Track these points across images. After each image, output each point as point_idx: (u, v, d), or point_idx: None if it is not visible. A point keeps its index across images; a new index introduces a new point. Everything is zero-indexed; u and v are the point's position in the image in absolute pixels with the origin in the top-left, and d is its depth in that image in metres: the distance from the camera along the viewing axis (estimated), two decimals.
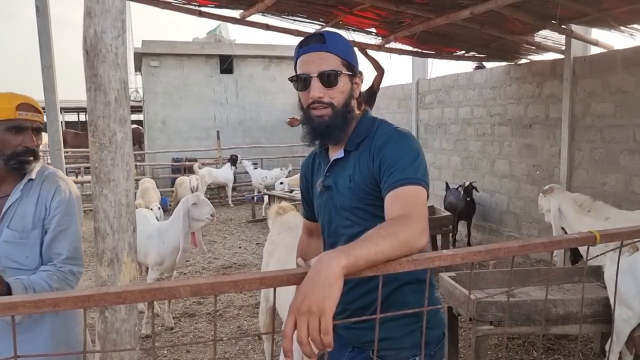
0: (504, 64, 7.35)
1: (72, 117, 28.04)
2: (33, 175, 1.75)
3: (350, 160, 1.59)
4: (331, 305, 0.97)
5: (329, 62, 1.53)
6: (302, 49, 1.58)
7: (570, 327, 3.31)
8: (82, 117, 29.59)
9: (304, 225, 1.95)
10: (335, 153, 1.65)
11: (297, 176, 11.10)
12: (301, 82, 1.56)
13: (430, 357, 1.60)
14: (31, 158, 1.71)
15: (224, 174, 12.09)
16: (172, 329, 4.76)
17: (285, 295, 1.26)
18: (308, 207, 1.85)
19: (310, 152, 1.84)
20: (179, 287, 0.91)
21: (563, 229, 4.66)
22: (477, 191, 7.39)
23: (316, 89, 1.52)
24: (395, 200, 1.38)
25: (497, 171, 7.66)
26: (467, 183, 7.38)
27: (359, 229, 1.57)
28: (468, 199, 7.27)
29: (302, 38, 1.67)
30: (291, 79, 1.60)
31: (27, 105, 1.70)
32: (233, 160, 11.93)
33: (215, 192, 13.04)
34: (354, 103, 1.60)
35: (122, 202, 1.05)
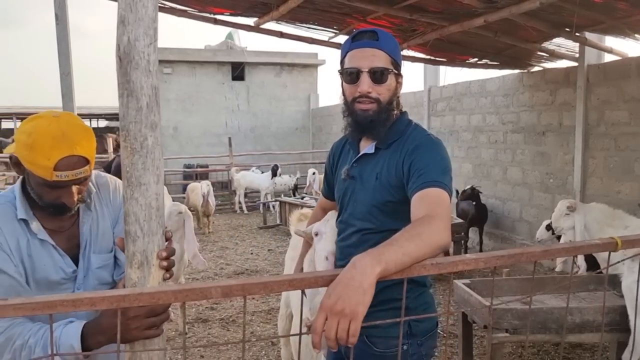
0: (516, 71, 7.34)
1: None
2: (91, 189, 1.57)
3: (380, 157, 1.65)
4: (363, 310, 1.01)
5: (381, 59, 1.59)
6: (354, 43, 1.62)
7: (587, 335, 3.29)
8: (94, 124, 29.89)
9: (319, 201, 2.04)
10: (366, 147, 1.70)
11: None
12: (350, 75, 1.61)
13: (418, 345, 1.67)
14: (70, 210, 1.48)
15: (259, 180, 12.14)
16: (185, 334, 4.78)
17: (302, 301, 1.31)
18: (328, 186, 1.93)
19: (343, 136, 1.88)
20: (211, 288, 0.94)
21: None
22: (481, 192, 7.39)
23: (365, 84, 1.58)
24: (422, 200, 1.43)
25: (510, 179, 7.63)
26: (469, 188, 7.37)
27: (370, 225, 1.65)
28: (474, 203, 7.26)
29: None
30: (340, 71, 1.66)
31: (68, 162, 1.39)
32: (274, 171, 11.98)
33: (226, 198, 13.10)
34: (395, 102, 1.67)
35: (152, 205, 1.07)
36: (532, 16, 4.80)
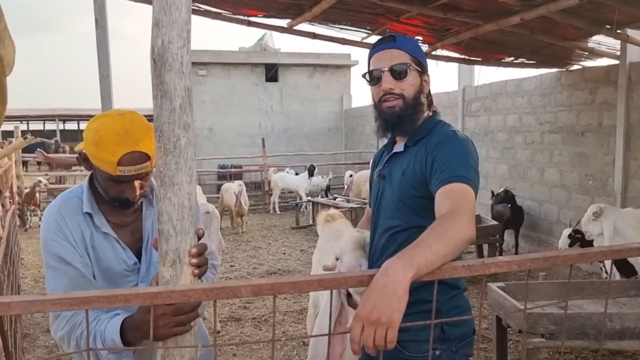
0: (554, 70, 7.17)
1: None
2: (154, 185, 1.61)
3: (407, 154, 1.67)
4: (399, 317, 1.02)
5: (399, 57, 1.64)
6: (374, 49, 1.70)
7: (627, 342, 3.18)
8: None
9: (366, 212, 2.04)
10: (398, 146, 1.74)
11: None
12: (373, 77, 1.67)
13: (452, 352, 1.64)
14: (133, 204, 1.53)
15: (297, 181, 12.23)
16: (218, 332, 4.84)
17: (332, 301, 1.31)
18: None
19: (382, 146, 1.94)
20: (241, 287, 0.95)
21: None
22: (515, 194, 7.23)
23: (387, 82, 1.64)
24: (445, 195, 1.43)
25: (547, 180, 7.45)
26: (502, 190, 7.23)
27: (397, 222, 1.65)
28: (509, 205, 7.12)
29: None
30: (364, 76, 1.72)
31: (132, 157, 1.43)
32: (310, 171, 12.06)
33: (260, 199, 13.21)
34: (423, 99, 1.70)
35: (184, 205, 1.09)
36: (571, 13, 4.67)
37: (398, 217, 1.64)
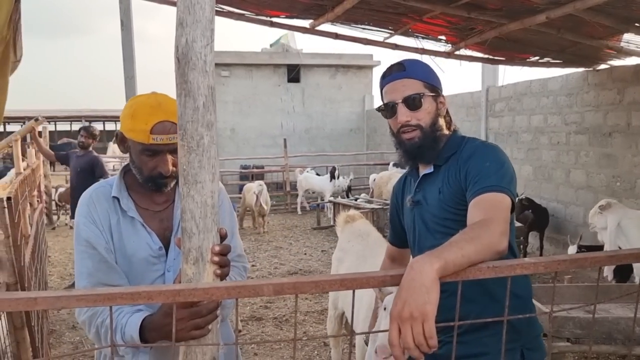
0: (581, 69, 7.03)
1: None
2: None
3: (440, 174, 1.62)
4: (432, 309, 0.99)
5: (412, 86, 1.60)
6: (384, 79, 1.65)
7: None
8: None
9: (387, 250, 1.97)
10: (425, 169, 1.68)
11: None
12: (389, 109, 1.63)
13: None
14: (167, 181, 1.56)
15: (320, 183, 12.27)
16: (240, 331, 4.87)
17: (354, 301, 1.26)
18: (394, 231, 1.87)
19: (401, 176, 1.89)
20: (263, 285, 0.94)
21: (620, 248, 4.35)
22: (531, 199, 7.09)
23: (403, 114, 1.59)
24: (478, 205, 1.39)
25: (573, 182, 7.32)
26: (517, 200, 7.09)
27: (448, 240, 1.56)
28: (530, 210, 6.99)
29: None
30: (379, 109, 1.69)
31: (164, 126, 1.50)
32: (332, 173, 12.08)
33: (281, 199, 13.25)
34: (441, 122, 1.65)
35: (207, 203, 1.10)
36: (599, 11, 4.57)
37: (448, 235, 1.56)
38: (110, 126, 30.25)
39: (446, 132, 1.67)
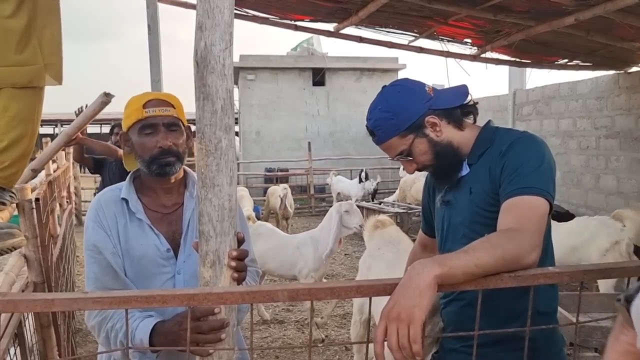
0: (611, 72, 6.87)
1: None
2: (195, 180, 1.60)
3: (472, 172, 1.52)
4: (420, 314, 0.96)
5: (392, 148, 1.53)
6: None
7: None
8: None
9: (419, 237, 1.92)
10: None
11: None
12: (396, 161, 1.61)
13: None
14: (171, 159, 1.55)
15: (349, 186, 12.25)
16: (252, 333, 4.88)
17: (381, 308, 1.23)
18: (426, 221, 1.82)
19: None
20: (277, 291, 0.94)
21: None
22: (558, 212, 6.93)
23: (406, 166, 1.56)
24: (510, 210, 1.29)
25: (603, 187, 7.14)
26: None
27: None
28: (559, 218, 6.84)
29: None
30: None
31: (155, 101, 1.57)
32: (361, 176, 12.05)
33: (305, 202, 13.26)
34: (445, 140, 1.51)
35: (225, 206, 1.10)
36: (630, 12, 4.46)
37: (474, 240, 1.49)
38: None
39: (467, 132, 1.53)
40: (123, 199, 1.57)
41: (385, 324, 0.97)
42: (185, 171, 1.67)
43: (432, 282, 0.98)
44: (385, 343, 0.97)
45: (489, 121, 1.59)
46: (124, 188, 1.59)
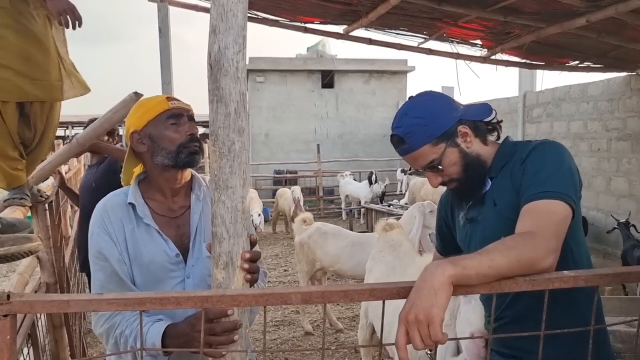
0: (623, 74, 6.81)
1: None
2: (202, 183, 1.65)
3: (494, 185, 1.50)
4: (438, 312, 0.95)
5: (423, 157, 1.47)
6: (396, 150, 1.54)
7: None
8: None
9: (434, 257, 1.87)
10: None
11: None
12: (420, 174, 1.56)
13: None
14: (198, 146, 1.55)
15: (358, 189, 12.23)
16: (265, 336, 4.88)
17: (379, 313, 1.21)
18: (442, 241, 1.79)
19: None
20: (291, 294, 0.94)
21: None
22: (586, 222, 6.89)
23: (433, 178, 1.50)
24: (528, 214, 1.26)
25: (615, 190, 7.08)
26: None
27: None
28: None
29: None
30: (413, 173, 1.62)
31: (174, 98, 1.61)
32: (370, 178, 12.03)
33: (314, 204, 13.27)
34: (474, 152, 1.49)
35: (238, 208, 1.10)
36: None
37: None
38: None
39: (490, 148, 1.52)
40: (130, 204, 1.53)
41: (406, 328, 0.96)
42: (192, 174, 1.65)
43: (446, 281, 0.98)
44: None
45: (508, 137, 1.58)
46: (130, 192, 1.55)
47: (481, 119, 1.51)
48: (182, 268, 1.54)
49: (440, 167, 1.46)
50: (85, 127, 3.13)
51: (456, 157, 1.47)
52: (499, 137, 1.57)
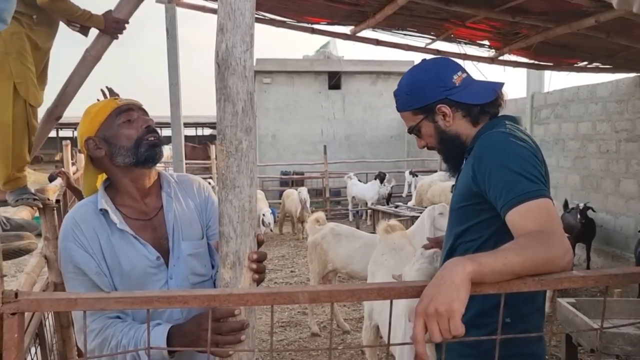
0: (632, 75, 6.76)
1: (190, 132, 30.11)
2: (170, 179, 1.61)
3: (464, 166, 1.59)
4: (459, 306, 0.95)
5: (407, 119, 1.64)
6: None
7: None
8: (199, 132, 31.63)
9: None
10: None
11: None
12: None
13: None
14: (156, 138, 1.50)
15: (364, 190, 12.21)
16: (272, 335, 4.88)
17: (386, 314, 1.24)
18: None
19: None
20: (298, 293, 0.93)
21: None
22: (594, 211, 6.80)
23: (417, 141, 1.67)
24: (526, 216, 1.24)
25: (623, 192, 7.03)
26: (582, 205, 6.81)
27: (460, 228, 1.56)
28: (584, 221, 6.70)
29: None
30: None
31: (119, 98, 1.60)
32: (381, 179, 11.98)
33: (321, 205, 13.27)
34: (453, 131, 1.57)
35: (245, 207, 1.10)
36: None
37: (460, 222, 1.58)
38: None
39: (474, 129, 1.57)
40: (101, 210, 1.46)
41: (424, 322, 0.96)
42: (158, 172, 1.60)
43: (466, 277, 0.98)
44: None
45: (494, 119, 1.59)
46: (99, 199, 1.48)
47: (474, 102, 1.55)
48: (164, 270, 1.50)
49: (420, 132, 1.61)
50: None
51: (431, 131, 1.60)
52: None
